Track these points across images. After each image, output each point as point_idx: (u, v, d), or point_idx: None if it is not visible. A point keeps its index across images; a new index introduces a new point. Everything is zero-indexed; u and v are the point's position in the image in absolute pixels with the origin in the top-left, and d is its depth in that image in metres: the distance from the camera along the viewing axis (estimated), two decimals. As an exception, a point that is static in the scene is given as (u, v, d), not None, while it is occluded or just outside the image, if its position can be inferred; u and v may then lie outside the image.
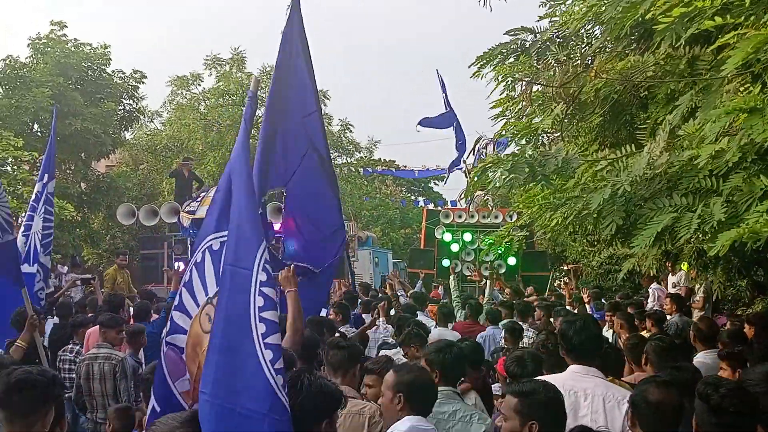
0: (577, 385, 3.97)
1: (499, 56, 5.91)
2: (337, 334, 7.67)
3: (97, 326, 7.19)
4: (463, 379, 5.66)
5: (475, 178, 5.53)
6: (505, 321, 9.42)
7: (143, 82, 22.08)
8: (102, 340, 6.83)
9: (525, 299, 12.96)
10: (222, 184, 4.07)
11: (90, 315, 9.02)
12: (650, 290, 12.15)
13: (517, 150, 5.35)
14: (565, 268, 21.06)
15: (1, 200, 6.34)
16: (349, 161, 32.47)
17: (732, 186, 3.89)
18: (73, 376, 6.94)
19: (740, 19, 3.45)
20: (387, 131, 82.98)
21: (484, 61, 5.84)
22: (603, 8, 4.56)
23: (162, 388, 4.16)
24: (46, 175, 7.98)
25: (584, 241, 13.14)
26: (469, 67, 5.84)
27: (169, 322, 4.15)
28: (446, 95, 19.18)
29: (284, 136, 5.91)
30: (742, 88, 3.95)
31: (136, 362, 6.89)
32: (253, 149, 5.80)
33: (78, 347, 7.51)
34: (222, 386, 3.38)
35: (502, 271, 17.92)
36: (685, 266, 9.95)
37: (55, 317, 9.06)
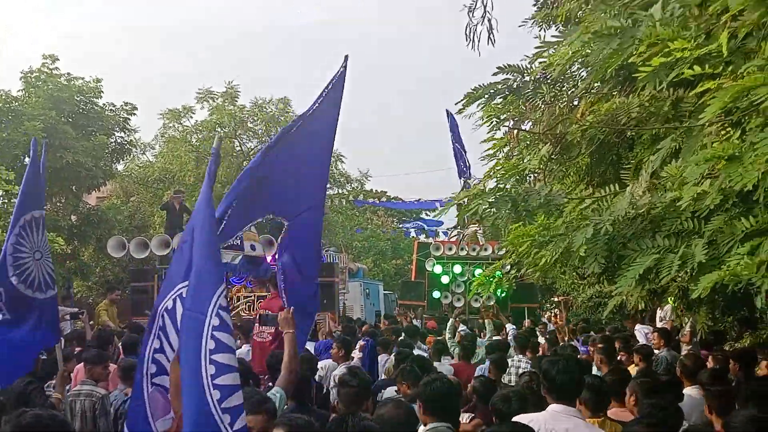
0: (558, 425, 4.03)
1: (487, 96, 6.00)
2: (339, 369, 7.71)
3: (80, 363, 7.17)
4: (473, 414, 5.69)
5: (457, 205, 5.61)
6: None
7: (134, 114, 22.20)
8: (87, 377, 6.80)
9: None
10: (186, 236, 4.35)
11: (77, 350, 8.99)
12: (636, 332, 11.98)
13: (501, 185, 5.43)
14: (556, 299, 21.13)
15: (46, 256, 6.40)
16: (340, 192, 32.63)
17: (714, 228, 3.97)
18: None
19: (718, 69, 3.57)
20: (394, 143, 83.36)
21: (470, 99, 5.94)
22: (588, 51, 4.66)
23: (141, 426, 4.33)
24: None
25: (574, 274, 13.20)
26: (456, 104, 5.95)
27: (155, 365, 4.36)
28: (459, 143, 19.06)
29: (297, 175, 6.04)
30: (722, 132, 4.06)
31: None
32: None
33: (62, 383, 7.46)
34: (186, 424, 3.67)
35: (491, 302, 18.02)
36: (671, 300, 9.99)
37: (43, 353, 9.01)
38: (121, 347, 8.89)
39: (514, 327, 12.44)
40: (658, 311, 12.13)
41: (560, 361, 4.31)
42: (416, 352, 9.26)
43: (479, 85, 5.78)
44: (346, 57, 6.09)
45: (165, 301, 4.38)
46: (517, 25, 7.15)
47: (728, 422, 3.70)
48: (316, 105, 5.93)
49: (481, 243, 18.94)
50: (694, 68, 3.55)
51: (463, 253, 18.81)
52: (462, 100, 5.97)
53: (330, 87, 5.97)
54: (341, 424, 3.26)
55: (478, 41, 6.35)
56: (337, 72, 6.04)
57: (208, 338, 3.74)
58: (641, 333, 11.78)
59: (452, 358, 10.13)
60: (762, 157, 3.25)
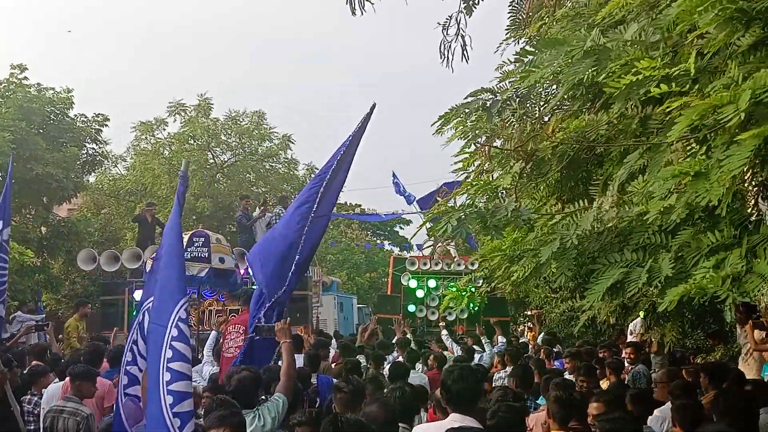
0: None
1: (461, 115, 6.04)
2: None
3: (68, 378, 6.92)
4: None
5: (429, 224, 5.70)
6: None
7: (106, 125, 22.02)
8: (73, 393, 6.52)
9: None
10: (159, 252, 4.70)
11: (34, 363, 8.82)
12: None
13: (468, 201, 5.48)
14: (529, 313, 21.26)
15: None
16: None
17: (680, 242, 4.04)
18: (31, 428, 6.83)
19: (685, 87, 3.64)
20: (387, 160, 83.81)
21: (446, 120, 5.98)
22: (563, 73, 4.70)
23: None
24: (1, 222, 7.81)
25: (547, 288, 13.28)
26: (432, 125, 6.01)
27: (126, 377, 4.68)
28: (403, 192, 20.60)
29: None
30: (688, 148, 4.13)
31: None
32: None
33: (36, 398, 7.32)
34: (147, 428, 4.10)
35: (464, 316, 18.16)
36: (641, 315, 10.09)
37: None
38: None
39: (504, 341, 12.60)
40: (630, 325, 12.23)
41: (455, 371, 4.31)
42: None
43: (454, 106, 5.82)
44: (374, 105, 6.60)
45: (138, 315, 4.74)
46: (498, 37, 7.24)
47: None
48: (342, 150, 6.65)
49: (454, 258, 19.27)
50: (662, 86, 3.62)
51: (438, 267, 19.08)
52: (437, 122, 6.01)
53: (355, 131, 6.55)
54: (335, 422, 3.53)
55: (452, 58, 6.45)
56: (363, 118, 6.58)
57: (167, 348, 4.08)
58: None
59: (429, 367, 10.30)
60: (727, 174, 3.31)
